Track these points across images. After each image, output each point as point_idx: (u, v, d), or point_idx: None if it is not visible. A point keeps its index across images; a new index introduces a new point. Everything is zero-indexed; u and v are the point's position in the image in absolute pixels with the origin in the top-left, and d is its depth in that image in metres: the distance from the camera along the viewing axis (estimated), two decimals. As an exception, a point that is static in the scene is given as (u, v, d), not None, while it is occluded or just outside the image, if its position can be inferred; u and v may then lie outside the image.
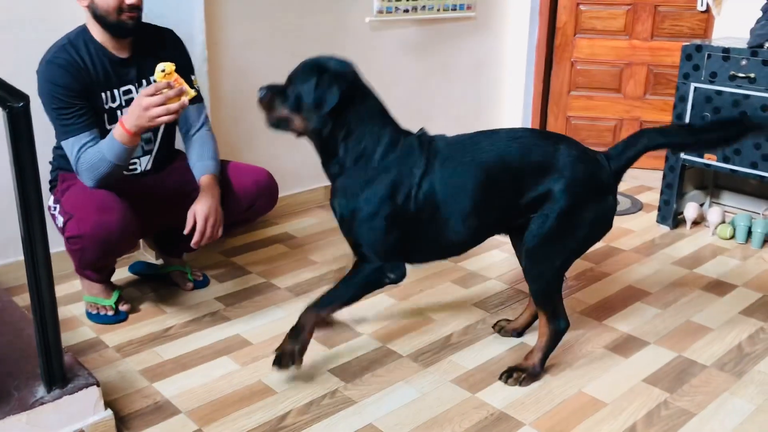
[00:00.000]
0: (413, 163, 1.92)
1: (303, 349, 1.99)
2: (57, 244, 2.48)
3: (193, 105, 2.39)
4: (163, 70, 2.08)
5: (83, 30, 2.27)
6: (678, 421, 1.91)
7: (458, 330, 2.36)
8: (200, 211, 2.23)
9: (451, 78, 3.96)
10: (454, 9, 3.80)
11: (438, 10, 3.73)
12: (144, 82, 2.36)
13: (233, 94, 3.09)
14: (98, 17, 2.21)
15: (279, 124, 1.98)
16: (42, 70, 2.20)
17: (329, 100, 1.86)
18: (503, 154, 1.93)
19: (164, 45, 2.41)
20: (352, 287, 1.99)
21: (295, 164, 3.36)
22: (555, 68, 4.21)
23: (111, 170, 2.19)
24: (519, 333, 2.31)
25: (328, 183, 2.03)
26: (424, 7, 3.66)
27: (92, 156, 2.19)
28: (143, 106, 2.08)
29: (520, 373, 2.06)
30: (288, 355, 1.97)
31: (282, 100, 1.95)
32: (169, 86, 2.09)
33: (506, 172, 1.93)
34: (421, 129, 2.02)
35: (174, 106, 2.09)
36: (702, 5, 3.66)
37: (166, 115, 2.09)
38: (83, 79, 2.21)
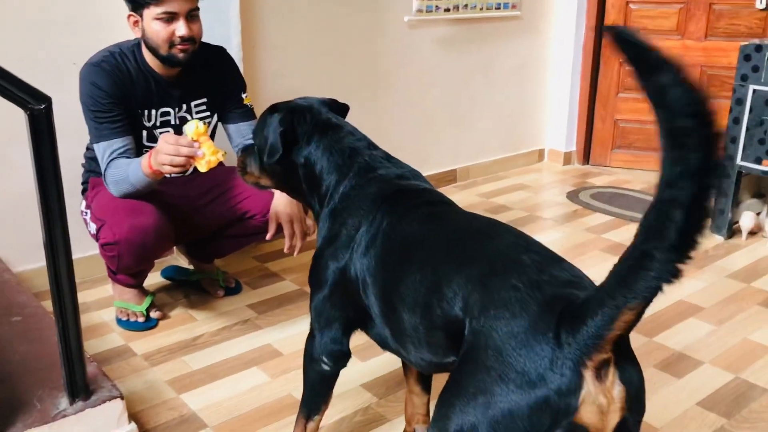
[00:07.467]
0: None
1: None
2: (89, 248, 2.46)
3: (247, 122, 2.36)
4: (197, 127, 1.94)
5: (137, 45, 2.21)
6: (737, 450, 1.77)
7: None
8: (283, 214, 2.18)
9: (493, 79, 3.84)
10: (498, 8, 3.68)
11: (481, 8, 3.61)
12: (184, 106, 2.30)
13: (270, 95, 3.02)
14: (150, 48, 2.16)
15: (256, 184, 1.72)
16: (86, 71, 2.15)
17: (273, 147, 1.54)
18: None
19: (213, 65, 2.34)
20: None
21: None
22: (602, 69, 4.05)
23: (132, 192, 2.13)
24: None
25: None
26: (466, 5, 3.55)
27: (118, 172, 2.12)
28: (158, 148, 1.98)
29: None
30: None
31: (252, 158, 1.68)
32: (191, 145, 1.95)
33: None
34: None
35: (179, 159, 1.94)
36: (761, 3, 3.48)
37: (169, 165, 1.96)
38: (125, 89, 2.16)
